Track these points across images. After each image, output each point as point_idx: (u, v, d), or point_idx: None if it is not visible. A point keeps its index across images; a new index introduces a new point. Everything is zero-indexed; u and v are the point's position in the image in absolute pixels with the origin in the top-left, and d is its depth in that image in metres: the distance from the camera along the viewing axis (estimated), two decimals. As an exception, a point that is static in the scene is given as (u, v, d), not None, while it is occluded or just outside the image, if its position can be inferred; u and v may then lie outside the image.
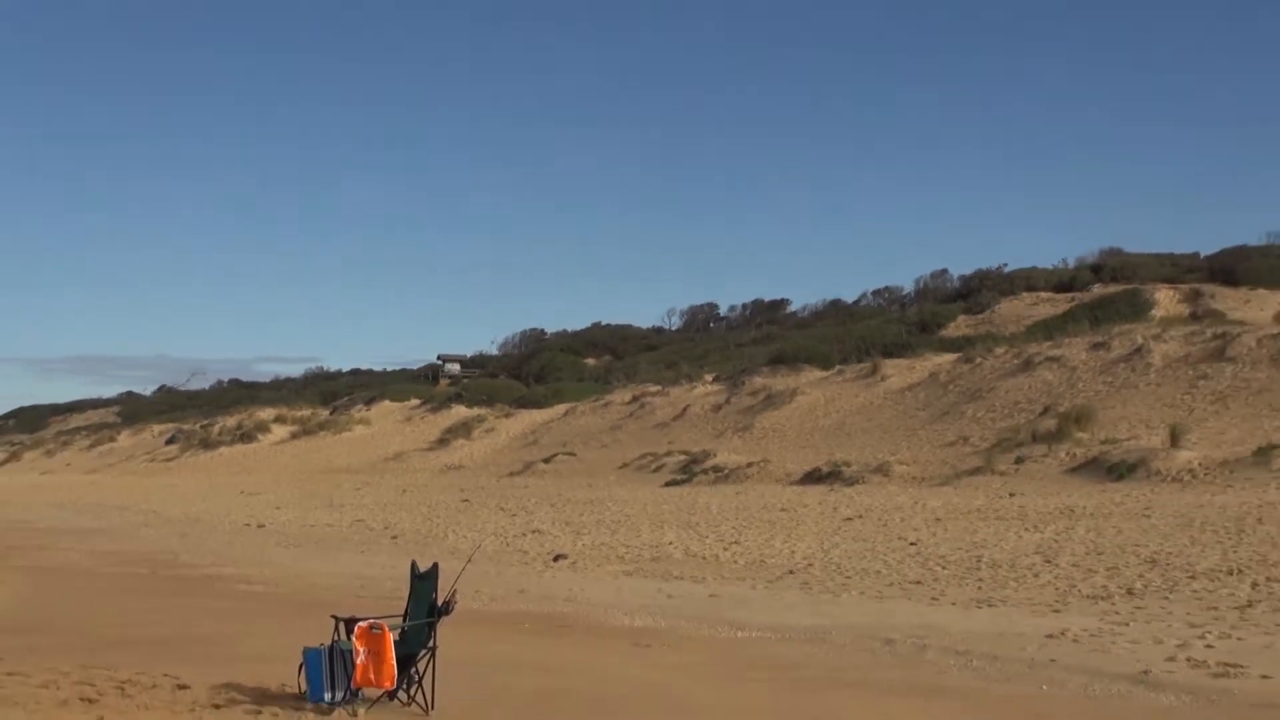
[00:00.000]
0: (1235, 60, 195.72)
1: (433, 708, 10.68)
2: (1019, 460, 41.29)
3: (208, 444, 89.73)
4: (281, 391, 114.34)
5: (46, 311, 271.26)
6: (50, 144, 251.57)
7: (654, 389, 70.14)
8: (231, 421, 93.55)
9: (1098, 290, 74.21)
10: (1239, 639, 14.37)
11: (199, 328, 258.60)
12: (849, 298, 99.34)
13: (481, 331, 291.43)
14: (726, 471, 48.67)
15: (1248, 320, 54.25)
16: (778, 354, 71.11)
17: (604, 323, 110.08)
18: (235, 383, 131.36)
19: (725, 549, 26.59)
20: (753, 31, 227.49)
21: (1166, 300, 67.82)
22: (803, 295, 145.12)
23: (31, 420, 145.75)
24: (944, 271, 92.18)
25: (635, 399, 69.08)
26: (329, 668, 10.73)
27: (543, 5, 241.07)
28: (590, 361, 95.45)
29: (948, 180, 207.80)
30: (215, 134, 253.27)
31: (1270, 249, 78.55)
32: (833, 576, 21.83)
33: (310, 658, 10.87)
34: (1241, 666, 12.64)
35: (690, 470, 50.31)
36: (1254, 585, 18.43)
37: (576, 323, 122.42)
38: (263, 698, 11.22)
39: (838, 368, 62.74)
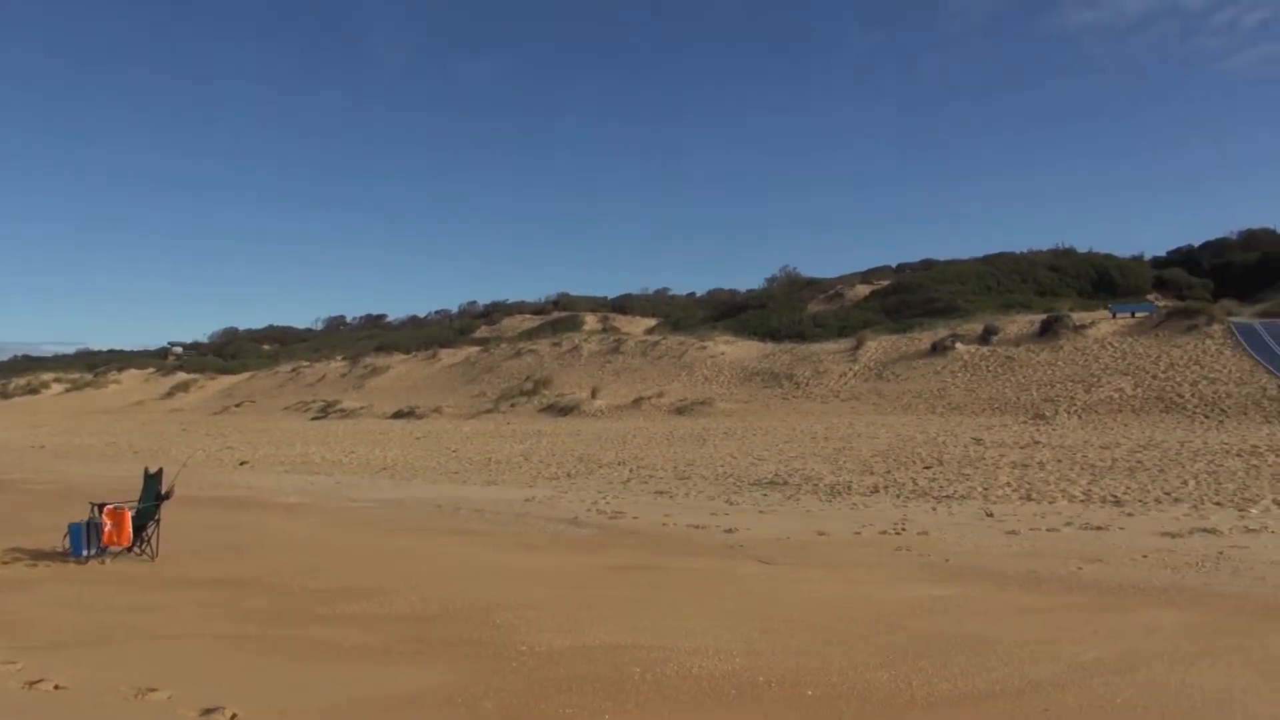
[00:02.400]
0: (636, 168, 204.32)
1: (156, 555, 9.70)
2: (513, 405, 41.70)
3: (5, 395, 77.46)
4: (59, 362, 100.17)
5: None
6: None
7: (306, 364, 66.30)
8: (22, 381, 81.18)
9: (555, 314, 76.35)
10: (622, 498, 15.08)
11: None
12: (421, 313, 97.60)
13: (198, 325, 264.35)
14: (348, 411, 46.53)
15: (631, 333, 57.16)
16: (380, 345, 69.11)
17: (275, 324, 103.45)
18: (26, 356, 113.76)
19: (345, 456, 25.43)
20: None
21: (591, 321, 70.49)
22: (396, 310, 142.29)
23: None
24: (475, 301, 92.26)
25: (294, 369, 64.92)
26: (86, 534, 9.54)
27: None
28: (266, 347, 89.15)
29: (466, 241, 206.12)
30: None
31: (643, 295, 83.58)
32: (408, 470, 21.31)
33: (72, 529, 9.61)
34: (624, 513, 13.26)
35: (326, 411, 47.74)
36: (630, 470, 19.39)
37: (258, 322, 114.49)
38: (39, 556, 9.76)
39: (414, 353, 61.33)
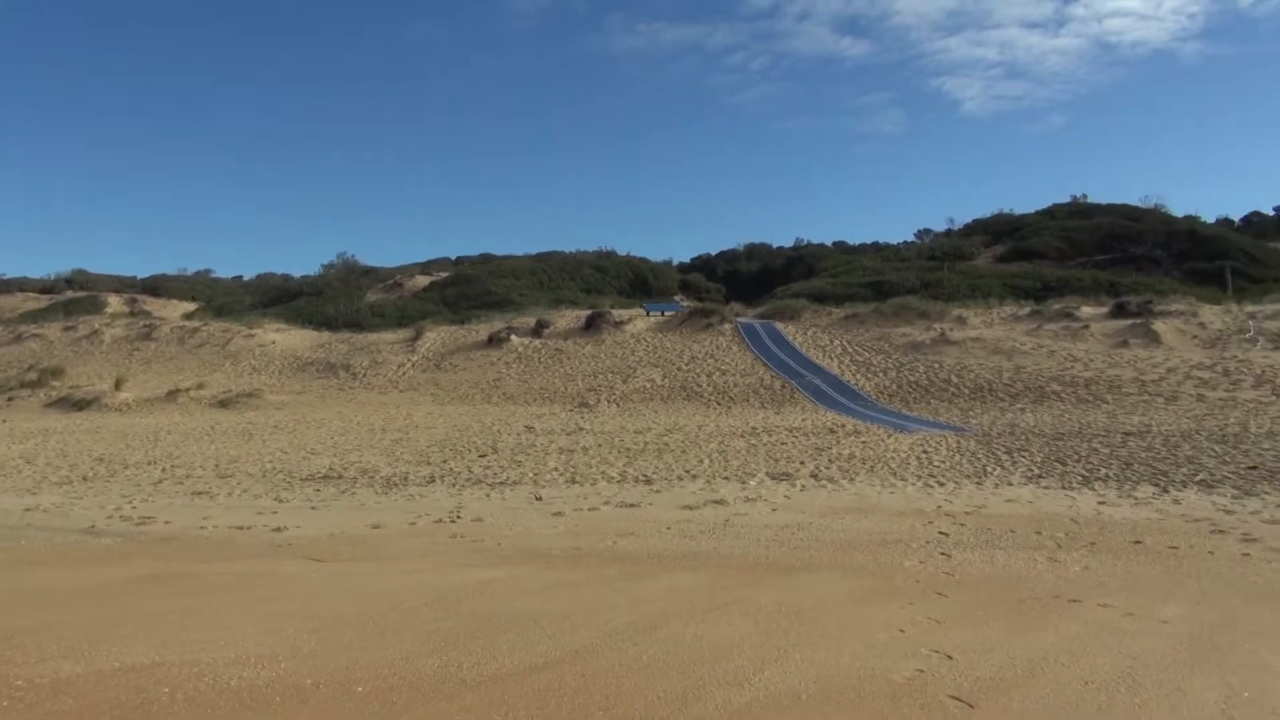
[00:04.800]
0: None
1: None
2: (10, 399, 35.38)
3: None
4: None
5: None
6: None
7: None
8: None
9: (70, 294, 66.50)
10: (153, 502, 13.55)
11: None
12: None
13: None
14: None
15: (166, 318, 51.66)
16: None
17: None
18: None
19: None
20: None
21: (115, 302, 62.54)
22: None
23: None
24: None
25: None
26: None
27: None
28: None
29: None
30: None
31: (180, 277, 76.01)
32: None
33: None
34: (154, 517, 11.91)
35: None
36: (163, 470, 17.47)
37: None
38: None
39: None
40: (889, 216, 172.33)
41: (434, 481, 15.05)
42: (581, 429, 23.08)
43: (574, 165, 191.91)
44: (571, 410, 28.44)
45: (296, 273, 75.42)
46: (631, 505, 12.05)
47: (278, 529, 10.78)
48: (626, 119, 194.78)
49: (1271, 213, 71.75)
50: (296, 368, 38.93)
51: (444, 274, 64.59)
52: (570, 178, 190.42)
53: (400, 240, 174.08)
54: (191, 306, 61.01)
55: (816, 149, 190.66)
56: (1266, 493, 11.89)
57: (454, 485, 14.58)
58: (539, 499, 12.87)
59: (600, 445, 19.50)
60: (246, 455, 19.46)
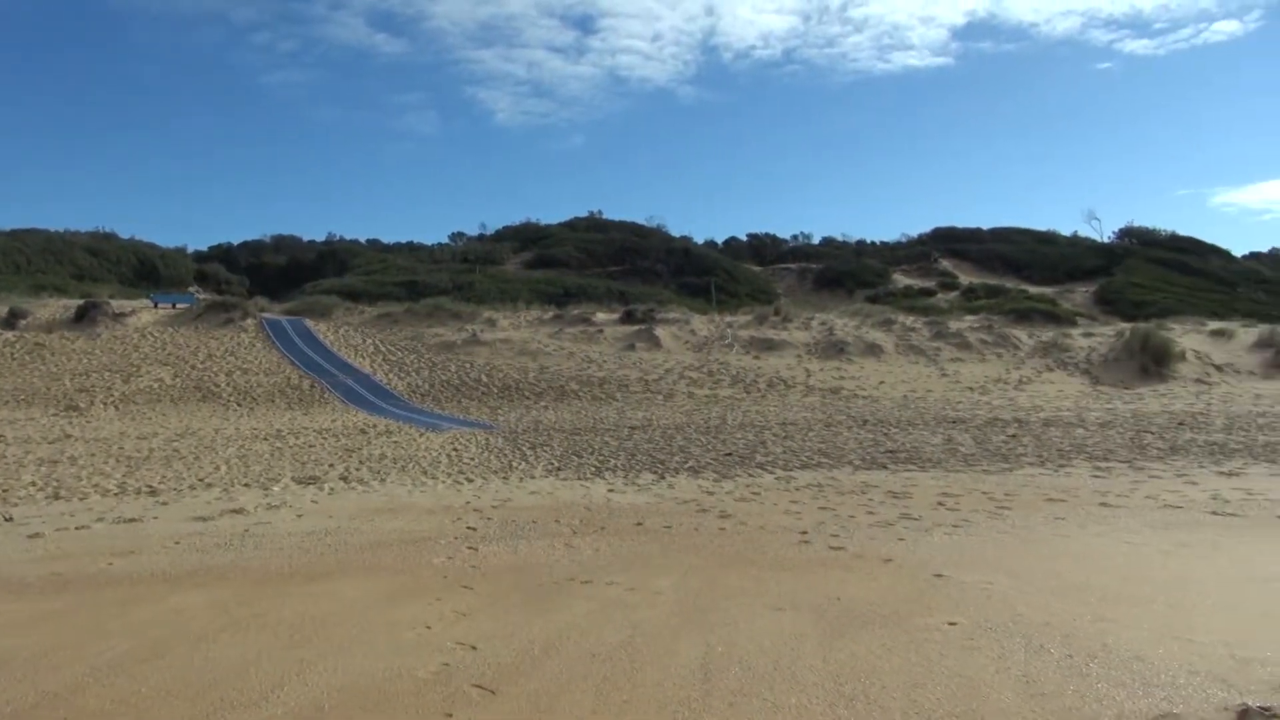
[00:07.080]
0: None
1: None
2: None
3: None
4: None
5: None
6: None
7: None
8: None
9: None
10: None
11: None
12: None
13: None
14: None
15: None
16: None
17: None
18: None
19: None
20: None
21: None
22: None
23: None
24: None
25: None
26: None
27: None
28: None
29: None
30: None
31: None
32: None
33: None
34: None
35: None
36: None
37: None
38: None
39: None
40: (424, 217, 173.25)
41: None
42: (70, 436, 19.99)
43: (65, 131, 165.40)
44: (57, 414, 24.50)
45: None
46: (132, 520, 10.71)
47: None
48: (134, 87, 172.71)
49: (745, 239, 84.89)
50: None
51: (-126, 248, 52.01)
52: (59, 145, 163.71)
53: None
54: None
55: (351, 142, 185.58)
56: (738, 475, 14.02)
57: (-115, 510, 11.78)
58: (8, 519, 10.90)
59: (94, 454, 17.06)
60: None
